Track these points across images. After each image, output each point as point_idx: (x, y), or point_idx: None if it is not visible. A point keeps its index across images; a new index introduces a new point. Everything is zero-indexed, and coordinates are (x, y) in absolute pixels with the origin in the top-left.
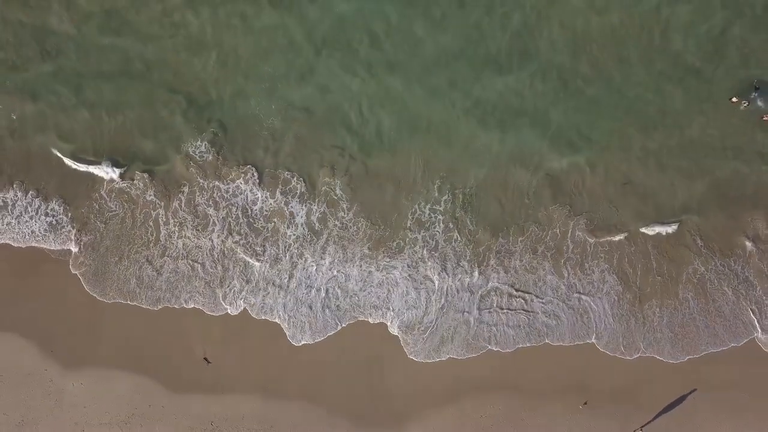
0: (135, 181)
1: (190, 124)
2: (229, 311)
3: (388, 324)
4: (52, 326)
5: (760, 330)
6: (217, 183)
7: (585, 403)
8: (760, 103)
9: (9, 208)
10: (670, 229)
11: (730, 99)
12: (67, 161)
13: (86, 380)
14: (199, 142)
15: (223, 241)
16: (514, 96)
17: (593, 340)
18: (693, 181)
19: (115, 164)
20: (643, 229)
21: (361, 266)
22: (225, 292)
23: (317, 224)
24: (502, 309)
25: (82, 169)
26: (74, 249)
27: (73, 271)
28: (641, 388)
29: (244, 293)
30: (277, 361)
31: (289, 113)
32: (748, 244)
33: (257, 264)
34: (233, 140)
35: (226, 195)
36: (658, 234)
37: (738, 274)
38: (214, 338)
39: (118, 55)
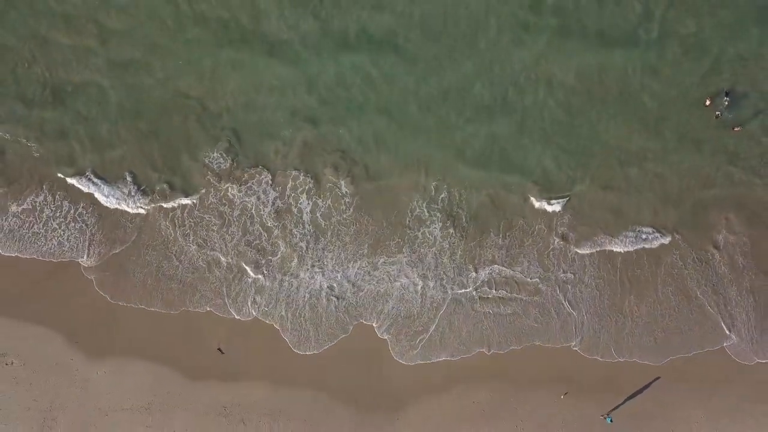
0: (157, 191)
1: (206, 132)
2: (236, 317)
3: (375, 326)
4: (76, 319)
5: (733, 336)
6: (231, 185)
7: (566, 393)
8: (730, 114)
9: (36, 213)
10: (651, 245)
11: (704, 103)
12: (88, 189)
13: (109, 369)
14: (215, 153)
15: (236, 244)
16: (502, 139)
17: (576, 348)
18: (671, 187)
19: (135, 180)
20: (620, 248)
21: (361, 266)
22: (236, 293)
23: (322, 221)
24: (490, 301)
25: (109, 206)
26: (92, 260)
27: (88, 276)
28: (619, 377)
29: (252, 294)
30: (285, 351)
31: (297, 124)
32: (716, 253)
33: (267, 266)
34: (246, 147)
35: (239, 194)
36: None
37: (714, 275)
38: (226, 331)
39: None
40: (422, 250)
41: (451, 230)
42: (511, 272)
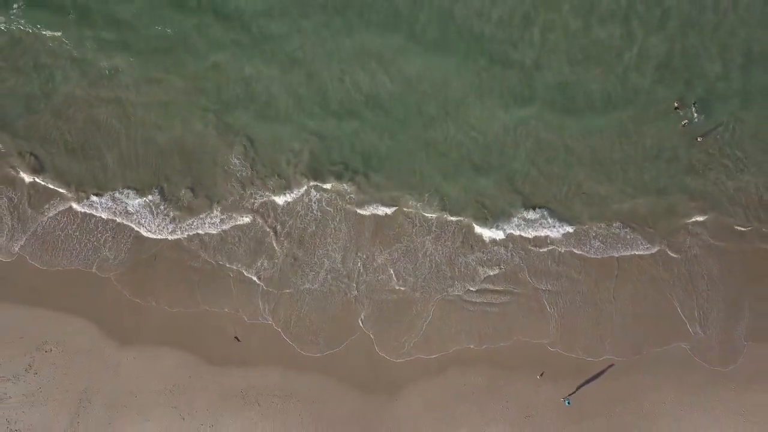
0: (182, 195)
1: (221, 136)
2: (247, 320)
3: (360, 320)
4: (108, 309)
5: (699, 330)
6: (252, 192)
7: (542, 374)
8: (695, 125)
9: (70, 214)
10: (624, 244)
11: (675, 107)
12: (113, 216)
13: (138, 355)
14: (235, 160)
15: (249, 246)
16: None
17: (557, 349)
18: (642, 191)
19: (162, 193)
20: (594, 243)
21: (360, 257)
22: (246, 297)
23: (329, 209)
24: (481, 293)
25: (140, 230)
26: (118, 261)
27: (108, 275)
28: (593, 361)
29: (260, 295)
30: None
31: (305, 137)
32: (683, 255)
33: (276, 264)
34: (262, 154)
35: (253, 196)
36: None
37: (682, 277)
38: (243, 321)
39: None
40: (419, 240)
41: (448, 217)
42: (502, 255)
